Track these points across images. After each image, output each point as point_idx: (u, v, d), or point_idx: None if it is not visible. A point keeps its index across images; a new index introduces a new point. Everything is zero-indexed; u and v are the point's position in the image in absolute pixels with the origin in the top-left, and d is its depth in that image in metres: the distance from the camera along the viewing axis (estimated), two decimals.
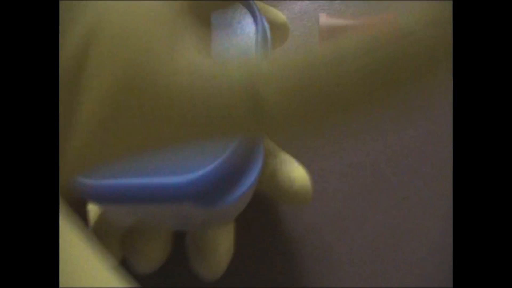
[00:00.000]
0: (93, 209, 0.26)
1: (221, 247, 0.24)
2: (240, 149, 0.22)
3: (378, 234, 0.28)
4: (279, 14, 0.28)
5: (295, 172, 0.26)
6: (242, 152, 0.22)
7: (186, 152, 0.22)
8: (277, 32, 0.28)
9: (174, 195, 0.20)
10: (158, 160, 0.22)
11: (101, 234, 0.25)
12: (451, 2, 0.16)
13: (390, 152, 0.30)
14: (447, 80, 0.32)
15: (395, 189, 0.29)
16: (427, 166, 0.30)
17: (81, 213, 0.30)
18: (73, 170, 0.15)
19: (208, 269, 0.24)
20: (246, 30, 0.25)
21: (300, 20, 0.37)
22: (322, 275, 0.27)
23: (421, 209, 0.28)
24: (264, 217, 0.29)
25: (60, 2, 0.14)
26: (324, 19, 0.34)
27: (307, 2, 0.38)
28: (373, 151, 0.31)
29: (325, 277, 0.27)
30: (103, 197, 0.21)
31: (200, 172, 0.21)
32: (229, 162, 0.21)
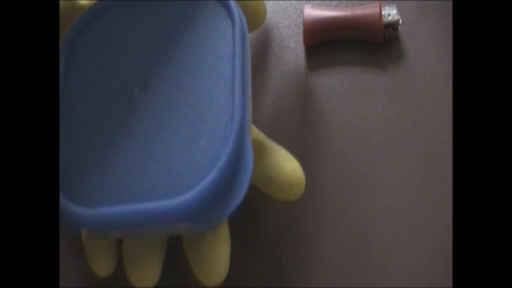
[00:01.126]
0: None
1: (221, 253, 0.23)
2: (230, 160, 0.21)
3: (361, 223, 0.28)
4: None
5: (289, 166, 0.25)
6: (232, 164, 0.21)
7: (174, 168, 0.22)
8: (253, 14, 0.28)
9: (167, 218, 0.20)
10: (147, 180, 0.22)
11: (93, 246, 0.25)
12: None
13: (373, 140, 0.30)
14: (434, 66, 0.31)
15: (379, 178, 0.29)
16: (411, 156, 0.30)
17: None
18: None
19: (212, 276, 0.23)
20: (223, 26, 0.25)
21: (284, 11, 0.37)
22: (303, 266, 0.27)
23: (405, 199, 0.28)
24: (243, 206, 0.29)
25: None
26: (309, 10, 0.34)
27: None
28: (356, 139, 0.31)
29: (306, 269, 0.27)
30: (95, 225, 0.21)
31: (192, 193, 0.20)
32: (220, 178, 0.21)
